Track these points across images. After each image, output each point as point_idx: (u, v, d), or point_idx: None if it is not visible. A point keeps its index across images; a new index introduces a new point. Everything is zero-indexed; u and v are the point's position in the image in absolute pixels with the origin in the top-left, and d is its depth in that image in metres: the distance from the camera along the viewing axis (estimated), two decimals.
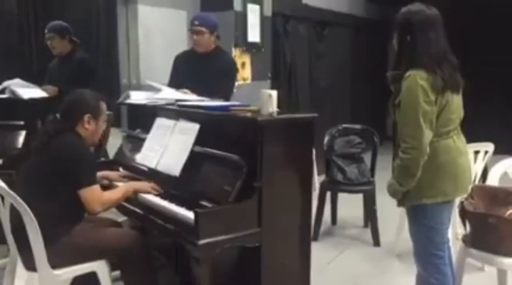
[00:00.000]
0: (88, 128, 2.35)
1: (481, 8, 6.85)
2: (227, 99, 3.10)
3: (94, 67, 3.89)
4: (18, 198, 2.07)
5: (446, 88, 2.10)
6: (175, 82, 3.31)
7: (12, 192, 2.09)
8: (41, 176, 2.24)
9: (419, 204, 2.20)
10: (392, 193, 2.23)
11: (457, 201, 2.49)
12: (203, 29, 3.31)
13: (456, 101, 2.19)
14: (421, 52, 2.10)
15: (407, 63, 2.14)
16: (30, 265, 2.19)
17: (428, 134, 2.09)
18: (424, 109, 2.05)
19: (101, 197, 2.28)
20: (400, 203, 2.27)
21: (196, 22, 3.33)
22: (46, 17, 4.45)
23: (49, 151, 2.26)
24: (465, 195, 2.44)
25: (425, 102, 2.05)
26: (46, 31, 3.77)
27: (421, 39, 2.11)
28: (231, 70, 3.47)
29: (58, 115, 2.38)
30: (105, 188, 2.52)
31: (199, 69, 3.32)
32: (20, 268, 2.27)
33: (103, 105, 2.45)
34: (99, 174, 2.67)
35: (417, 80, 2.05)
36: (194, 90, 3.06)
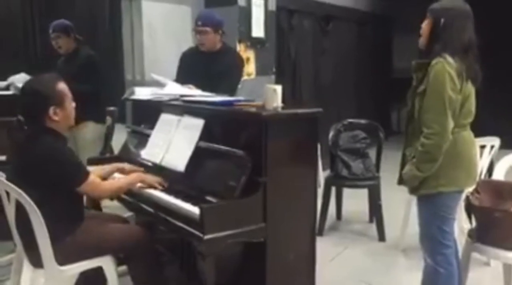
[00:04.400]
0: (57, 119, 2.17)
1: (492, 2, 6.80)
2: (230, 95, 3.10)
3: (100, 63, 3.90)
4: (23, 194, 2.07)
5: (468, 76, 2.16)
6: (182, 79, 3.30)
7: (17, 188, 2.09)
8: (30, 185, 2.10)
9: (434, 193, 2.22)
10: (410, 179, 2.25)
11: (464, 194, 2.49)
12: (207, 28, 3.28)
13: (473, 95, 2.24)
14: (454, 36, 2.15)
15: (438, 47, 2.16)
16: (36, 262, 2.19)
17: (451, 121, 2.13)
18: (450, 96, 2.10)
19: (100, 186, 2.27)
20: (413, 191, 2.29)
21: (199, 22, 3.30)
22: (50, 14, 4.45)
23: (29, 161, 2.14)
24: (473, 187, 2.46)
25: (452, 89, 2.10)
26: (51, 31, 3.76)
27: (455, 24, 2.16)
28: (235, 67, 3.44)
29: (21, 118, 2.19)
30: None
31: (205, 67, 3.31)
32: (26, 263, 2.28)
33: (61, 85, 2.20)
34: (113, 166, 2.67)
35: (445, 67, 2.09)
36: (200, 87, 3.05)
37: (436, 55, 2.15)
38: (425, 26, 2.25)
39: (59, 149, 2.17)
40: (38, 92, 2.16)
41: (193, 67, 3.38)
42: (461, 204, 2.57)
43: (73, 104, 2.27)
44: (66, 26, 3.78)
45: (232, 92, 3.23)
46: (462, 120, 2.21)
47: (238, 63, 3.50)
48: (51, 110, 2.16)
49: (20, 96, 2.28)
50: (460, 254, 2.46)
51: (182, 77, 3.37)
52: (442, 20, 2.16)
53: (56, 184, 2.14)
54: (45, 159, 2.12)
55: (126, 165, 2.73)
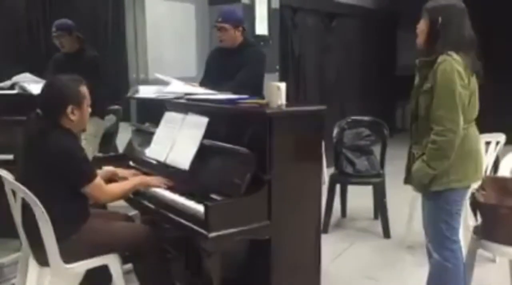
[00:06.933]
0: (73, 118, 2.22)
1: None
2: (257, 88, 3.16)
3: (102, 64, 3.94)
4: (29, 192, 2.08)
5: (474, 71, 2.19)
6: (207, 79, 3.34)
7: (23, 187, 2.10)
8: (38, 180, 2.15)
9: (446, 189, 2.23)
10: (421, 177, 2.24)
11: (470, 189, 2.48)
12: (226, 25, 3.29)
13: (477, 90, 2.25)
14: (454, 33, 2.17)
15: (440, 45, 2.17)
16: (42, 260, 2.20)
17: (461, 117, 2.15)
18: (460, 92, 2.13)
19: (105, 189, 2.28)
20: (424, 188, 2.28)
21: (220, 19, 3.32)
22: (55, 13, 4.46)
23: (39, 155, 2.17)
24: (479, 182, 2.46)
25: (461, 86, 2.13)
26: (54, 29, 3.78)
27: (453, 21, 2.18)
28: (253, 60, 3.37)
29: (39, 111, 2.24)
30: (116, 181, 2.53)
31: (225, 62, 3.33)
32: (32, 262, 2.29)
33: (83, 88, 2.27)
34: (107, 169, 2.68)
35: (453, 64, 2.11)
36: (221, 83, 3.07)
37: (439, 53, 2.15)
38: (422, 25, 2.26)
39: (70, 145, 2.20)
40: (61, 89, 2.23)
41: (217, 65, 3.42)
42: (467, 201, 2.57)
43: (89, 109, 2.32)
44: (68, 25, 3.81)
45: (244, 84, 3.15)
46: (470, 115, 2.23)
47: (257, 57, 3.44)
48: (69, 109, 2.20)
49: (42, 91, 2.31)
50: (464, 250, 2.45)
51: (208, 76, 3.42)
52: (440, 18, 2.18)
53: (63, 179, 2.15)
54: (56, 153, 2.14)
55: (119, 171, 2.68)
